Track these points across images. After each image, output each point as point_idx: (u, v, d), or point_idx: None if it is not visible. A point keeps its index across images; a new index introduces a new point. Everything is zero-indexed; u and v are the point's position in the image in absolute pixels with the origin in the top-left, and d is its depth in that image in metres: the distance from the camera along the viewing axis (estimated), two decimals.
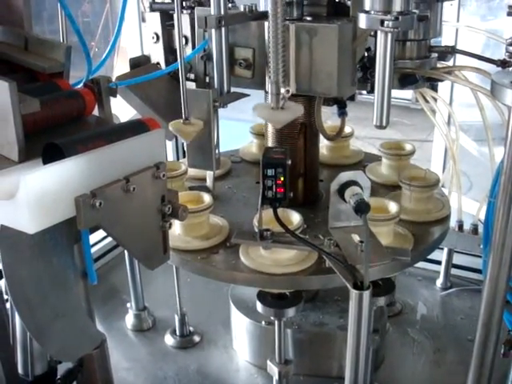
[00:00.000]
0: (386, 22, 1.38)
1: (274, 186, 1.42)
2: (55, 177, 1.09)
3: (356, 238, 1.43)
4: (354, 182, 1.43)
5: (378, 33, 1.43)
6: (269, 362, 1.78)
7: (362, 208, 1.33)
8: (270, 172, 1.41)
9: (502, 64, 1.82)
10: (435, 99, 2.23)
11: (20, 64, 1.51)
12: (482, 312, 1.45)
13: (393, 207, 1.64)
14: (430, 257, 2.61)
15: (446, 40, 2.95)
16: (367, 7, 1.41)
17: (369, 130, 4.24)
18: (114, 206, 1.16)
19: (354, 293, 1.27)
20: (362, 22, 1.43)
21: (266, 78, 1.67)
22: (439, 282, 2.63)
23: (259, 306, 1.69)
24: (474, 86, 1.85)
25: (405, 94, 6.21)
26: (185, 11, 1.85)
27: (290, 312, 1.66)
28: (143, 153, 1.26)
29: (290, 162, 1.42)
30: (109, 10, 6.40)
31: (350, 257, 1.35)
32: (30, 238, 1.13)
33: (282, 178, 1.41)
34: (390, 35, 1.42)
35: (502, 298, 1.41)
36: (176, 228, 1.71)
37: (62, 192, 1.10)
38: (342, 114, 2.05)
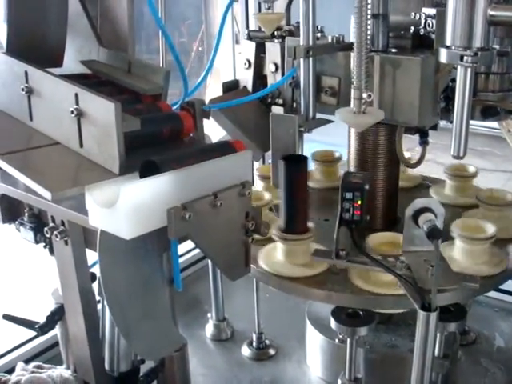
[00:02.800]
0: (465, 58, 1.44)
1: (351, 209, 1.50)
2: (150, 190, 1.21)
3: (428, 262, 1.49)
4: (427, 209, 1.49)
5: (458, 67, 1.50)
6: (339, 380, 1.85)
7: (434, 234, 1.39)
8: (349, 195, 1.49)
9: None
10: None
11: (124, 86, 1.65)
12: None
13: (490, 228, 1.72)
14: (508, 288, 2.63)
15: None
16: (448, 42, 1.48)
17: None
18: (201, 218, 1.27)
19: (421, 314, 1.33)
20: (443, 56, 1.50)
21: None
22: None
23: (333, 323, 1.77)
24: None
25: (497, 124, 6.10)
26: (276, 40, 1.96)
27: (362, 331, 1.74)
28: (231, 172, 1.36)
29: (367, 186, 1.50)
30: (204, 32, 6.61)
31: (420, 279, 1.41)
32: (125, 243, 1.24)
33: (360, 202, 1.49)
34: (469, 70, 1.48)
35: None
36: (279, 254, 1.81)
37: (156, 204, 1.22)
38: (424, 142, 2.11)
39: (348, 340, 1.77)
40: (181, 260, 2.88)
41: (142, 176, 1.27)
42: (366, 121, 1.57)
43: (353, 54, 1.63)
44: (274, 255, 1.82)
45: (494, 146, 6.33)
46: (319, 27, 1.93)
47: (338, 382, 1.85)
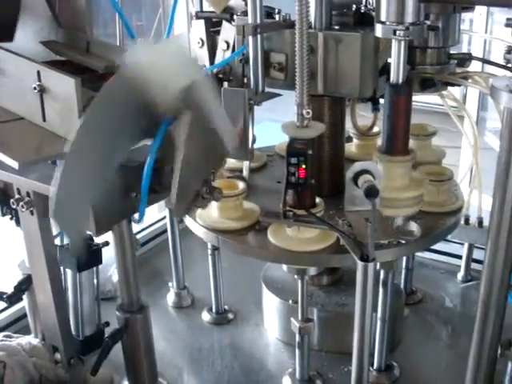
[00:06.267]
0: (397, 32, 1.58)
1: (296, 172, 1.63)
2: None
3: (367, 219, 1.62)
4: (366, 171, 1.63)
5: (393, 41, 1.63)
6: (292, 320, 1.97)
7: (371, 193, 1.52)
8: (294, 160, 1.62)
9: None
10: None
11: (82, 64, 1.74)
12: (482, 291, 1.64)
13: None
14: (452, 251, 2.82)
15: (475, 48, 3.12)
16: (383, 18, 1.62)
17: None
18: None
19: (360, 264, 1.47)
20: (378, 31, 1.63)
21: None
22: (460, 275, 2.78)
23: (285, 267, 1.94)
24: (486, 90, 2.02)
25: (450, 102, 6.26)
26: (233, 22, 2.06)
27: (312, 271, 1.91)
28: None
29: (311, 151, 1.62)
30: (161, 15, 6.65)
31: (360, 234, 1.54)
32: None
33: (304, 166, 1.62)
34: (402, 43, 1.62)
35: (501, 274, 1.59)
36: (214, 210, 1.93)
37: None
38: (375, 109, 2.24)
39: (299, 282, 1.90)
40: (140, 235, 3.00)
41: None
42: (308, 135, 1.68)
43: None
44: (210, 211, 1.95)
45: (448, 123, 6.47)
46: (276, 10, 2.03)
47: (291, 323, 1.97)
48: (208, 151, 1.52)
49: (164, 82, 1.38)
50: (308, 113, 1.67)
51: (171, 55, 1.41)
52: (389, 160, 1.76)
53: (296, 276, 1.89)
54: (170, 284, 2.64)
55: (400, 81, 1.67)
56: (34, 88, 1.47)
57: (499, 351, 1.73)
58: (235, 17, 2.03)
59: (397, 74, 1.67)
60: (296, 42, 1.66)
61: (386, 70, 1.92)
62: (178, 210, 1.45)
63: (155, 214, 3.12)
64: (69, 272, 1.87)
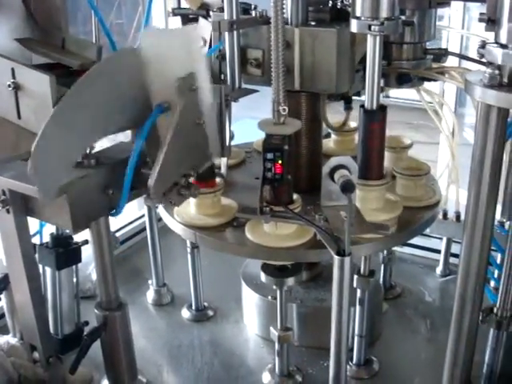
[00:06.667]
0: (372, 27, 1.59)
1: (273, 168, 1.63)
2: None
3: (343, 214, 1.62)
4: (342, 166, 1.63)
5: (368, 36, 1.64)
6: (271, 329, 1.99)
7: (347, 188, 1.53)
8: (270, 156, 1.62)
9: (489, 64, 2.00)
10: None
11: (58, 61, 1.73)
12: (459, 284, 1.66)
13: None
14: (431, 246, 2.83)
15: (453, 44, 3.14)
16: (358, 13, 1.62)
17: (395, 132, 4.33)
18: None
19: (336, 259, 1.47)
20: (354, 26, 1.64)
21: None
22: (439, 269, 2.81)
23: (263, 276, 1.91)
24: (462, 85, 2.03)
25: (429, 98, 6.31)
26: (209, 19, 2.06)
27: (290, 281, 1.88)
28: None
29: (287, 147, 1.62)
30: (141, 13, 6.62)
31: (337, 230, 1.54)
32: None
33: (280, 161, 1.62)
34: (378, 38, 1.63)
35: (477, 268, 1.61)
36: (192, 207, 1.93)
37: None
38: (348, 108, 2.25)
39: (278, 291, 1.91)
40: (120, 233, 2.99)
41: None
42: (285, 131, 1.68)
43: None
44: (188, 208, 1.94)
45: (429, 120, 6.52)
46: (253, 6, 2.03)
47: (270, 331, 1.99)
48: (193, 147, 1.55)
49: (165, 67, 1.44)
50: (284, 110, 1.67)
51: (179, 44, 1.46)
52: (363, 184, 1.79)
53: (274, 286, 1.90)
54: (150, 282, 2.64)
55: (374, 107, 1.71)
56: (9, 85, 1.46)
57: (480, 317, 1.75)
58: (211, 13, 2.03)
59: (372, 68, 1.67)
60: (271, 38, 1.65)
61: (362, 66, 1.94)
62: (156, 194, 1.47)
63: (134, 212, 3.11)
64: (48, 270, 1.86)
